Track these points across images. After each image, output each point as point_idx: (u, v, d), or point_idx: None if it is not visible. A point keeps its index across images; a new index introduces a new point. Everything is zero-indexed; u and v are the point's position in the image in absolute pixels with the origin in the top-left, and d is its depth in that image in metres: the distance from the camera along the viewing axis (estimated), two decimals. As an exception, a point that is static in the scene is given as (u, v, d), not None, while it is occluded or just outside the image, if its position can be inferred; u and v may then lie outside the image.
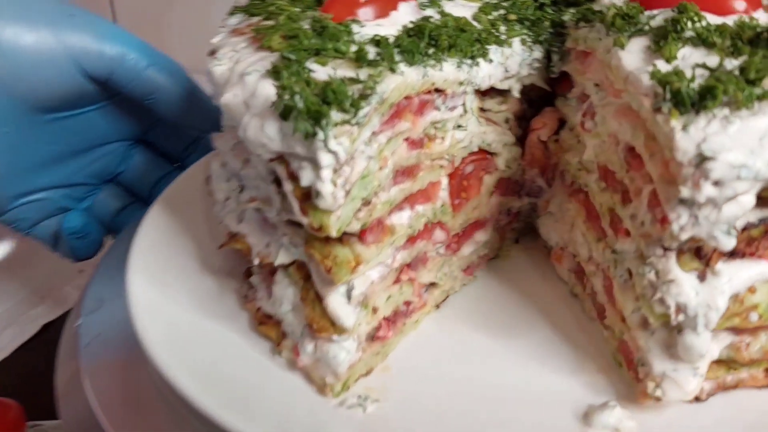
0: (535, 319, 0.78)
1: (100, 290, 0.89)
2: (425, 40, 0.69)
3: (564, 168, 0.82)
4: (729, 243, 0.60)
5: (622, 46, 0.68)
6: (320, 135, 0.60)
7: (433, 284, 0.79)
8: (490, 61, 0.75)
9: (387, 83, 0.64)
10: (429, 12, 0.76)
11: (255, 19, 0.75)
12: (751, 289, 0.63)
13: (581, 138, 0.77)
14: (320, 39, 0.67)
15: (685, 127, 0.57)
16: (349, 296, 0.68)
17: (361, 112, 0.61)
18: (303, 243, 0.68)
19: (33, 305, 1.17)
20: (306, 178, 0.62)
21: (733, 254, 0.62)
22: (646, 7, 0.72)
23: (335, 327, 0.68)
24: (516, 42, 0.78)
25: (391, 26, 0.71)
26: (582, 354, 0.74)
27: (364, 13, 0.72)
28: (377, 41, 0.68)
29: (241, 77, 0.66)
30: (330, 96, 0.61)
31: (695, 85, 0.59)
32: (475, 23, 0.76)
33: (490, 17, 0.79)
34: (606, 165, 0.72)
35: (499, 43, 0.76)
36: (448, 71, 0.70)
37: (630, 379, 0.69)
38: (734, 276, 0.62)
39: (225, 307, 0.78)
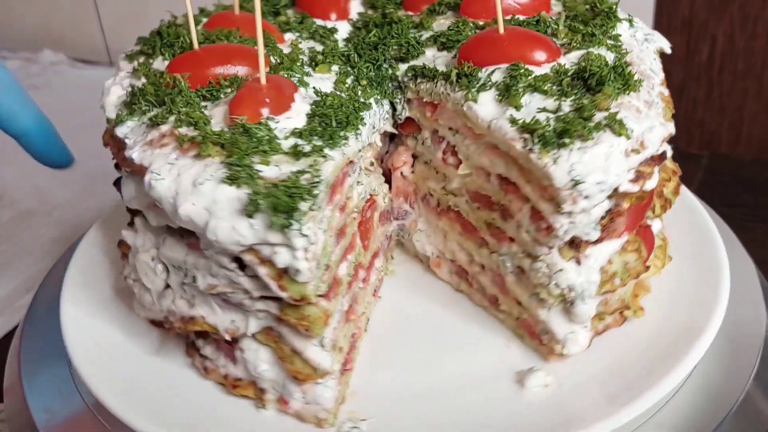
0: (442, 315, 0.98)
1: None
2: (333, 125, 0.84)
3: (426, 193, 1.02)
4: (596, 234, 0.83)
5: (475, 101, 0.88)
6: (295, 225, 0.73)
7: (363, 314, 0.95)
8: (365, 124, 0.91)
9: (326, 168, 0.79)
10: (304, 92, 0.90)
11: (165, 128, 0.84)
12: (609, 261, 0.87)
13: (444, 171, 0.96)
14: (249, 140, 0.79)
15: (555, 161, 0.79)
16: (322, 344, 0.82)
17: (318, 198, 0.76)
18: (273, 312, 0.81)
19: (20, 296, 1.28)
20: (282, 260, 0.75)
21: (594, 241, 0.86)
22: (471, 61, 0.92)
23: (318, 373, 0.82)
24: (372, 102, 0.94)
25: (297, 117, 0.85)
26: (490, 333, 0.95)
27: (270, 110, 0.84)
28: (299, 133, 0.81)
29: (195, 187, 0.77)
30: (294, 191, 0.74)
31: (551, 128, 0.81)
32: (340, 94, 0.92)
33: (347, 85, 0.95)
34: (477, 191, 0.92)
35: (366, 107, 0.92)
36: (353, 144, 0.85)
37: (534, 345, 0.92)
38: (598, 256, 0.86)
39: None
